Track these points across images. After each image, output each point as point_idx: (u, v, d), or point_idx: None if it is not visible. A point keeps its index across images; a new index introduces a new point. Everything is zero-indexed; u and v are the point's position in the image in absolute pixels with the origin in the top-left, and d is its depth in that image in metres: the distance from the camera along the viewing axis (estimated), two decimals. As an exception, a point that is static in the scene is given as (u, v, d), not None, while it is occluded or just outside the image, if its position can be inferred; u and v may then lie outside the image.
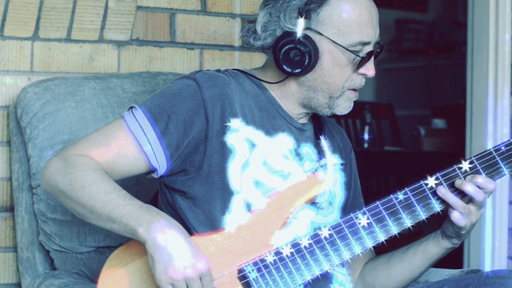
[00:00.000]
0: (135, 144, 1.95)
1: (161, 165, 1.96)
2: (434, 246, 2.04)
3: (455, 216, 1.94)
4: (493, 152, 1.97)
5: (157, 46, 2.68)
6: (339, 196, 2.10)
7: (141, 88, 2.43)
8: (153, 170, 1.97)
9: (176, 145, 1.95)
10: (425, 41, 7.23)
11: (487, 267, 3.53)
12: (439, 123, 5.89)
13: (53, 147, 2.30)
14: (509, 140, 1.98)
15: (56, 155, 1.96)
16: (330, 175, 2.07)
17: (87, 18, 2.55)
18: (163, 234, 1.81)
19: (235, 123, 1.98)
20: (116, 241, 2.31)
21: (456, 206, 1.94)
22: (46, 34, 2.51)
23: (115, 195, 1.87)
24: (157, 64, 2.67)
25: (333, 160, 2.10)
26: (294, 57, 1.96)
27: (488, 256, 3.54)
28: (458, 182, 1.94)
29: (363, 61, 1.98)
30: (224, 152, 1.97)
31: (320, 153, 2.08)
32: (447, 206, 1.96)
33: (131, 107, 1.99)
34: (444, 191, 1.94)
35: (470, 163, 1.96)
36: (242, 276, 1.90)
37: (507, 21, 3.52)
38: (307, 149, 2.07)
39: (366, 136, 5.24)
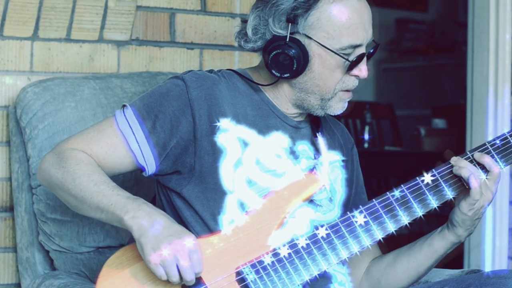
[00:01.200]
0: (123, 142, 1.98)
1: (149, 164, 1.98)
2: (439, 239, 2.04)
3: (473, 182, 1.93)
4: (489, 146, 1.98)
5: (157, 46, 2.68)
6: (340, 193, 2.10)
7: (141, 88, 2.43)
8: (141, 169, 1.99)
9: (163, 144, 1.97)
10: (425, 41, 7.22)
11: (488, 268, 3.52)
12: (439, 123, 5.89)
13: (52, 147, 2.29)
14: (504, 135, 1.99)
15: (51, 150, 2.01)
16: (326, 172, 2.07)
17: (86, 18, 2.55)
18: (149, 218, 1.83)
19: (225, 123, 1.99)
20: (116, 241, 2.31)
21: (490, 166, 1.94)
22: (45, 34, 2.51)
23: (104, 186, 1.90)
24: (157, 64, 2.67)
25: (332, 157, 2.10)
26: (283, 61, 1.96)
27: (489, 256, 3.53)
28: (477, 155, 1.96)
29: (353, 64, 1.98)
30: (214, 152, 1.97)
31: (317, 151, 2.07)
32: (457, 190, 1.97)
33: (123, 105, 2.01)
34: (480, 155, 1.96)
35: (466, 158, 1.96)
36: (241, 279, 1.90)
37: (507, 21, 3.52)
38: (303, 146, 2.06)
39: (366, 136, 5.24)
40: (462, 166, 1.95)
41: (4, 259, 2.46)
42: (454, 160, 1.97)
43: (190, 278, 1.83)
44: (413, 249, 2.07)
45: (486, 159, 1.96)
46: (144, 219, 1.83)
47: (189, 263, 1.82)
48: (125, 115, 1.99)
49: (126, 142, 1.98)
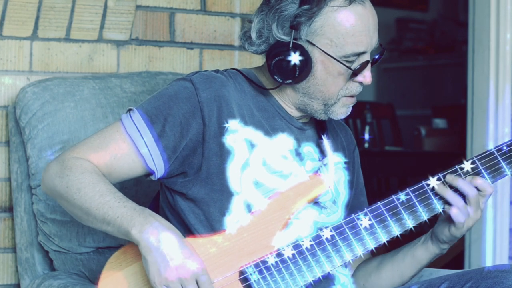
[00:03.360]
0: (132, 147, 1.95)
1: (159, 168, 1.96)
2: (423, 251, 2.04)
3: (454, 212, 1.93)
4: (495, 152, 1.97)
5: (156, 45, 2.68)
6: (343, 195, 2.10)
7: (141, 88, 2.42)
8: (150, 173, 1.97)
9: (173, 147, 1.95)
10: (426, 40, 7.22)
11: (488, 268, 3.52)
12: (440, 123, 5.88)
13: (52, 147, 2.29)
14: (510, 140, 1.97)
15: (55, 158, 1.97)
16: (332, 174, 2.06)
17: (86, 17, 2.54)
18: (156, 235, 1.81)
19: (233, 124, 1.97)
20: (116, 242, 2.30)
21: (456, 203, 1.93)
22: (45, 34, 2.50)
23: (110, 197, 1.87)
24: (156, 64, 2.67)
25: (336, 159, 2.09)
26: (285, 67, 1.95)
27: (489, 257, 3.53)
28: (449, 178, 1.94)
29: (356, 71, 1.96)
30: (222, 154, 1.96)
31: (322, 152, 2.07)
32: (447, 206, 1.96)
33: (129, 109, 1.99)
34: (442, 188, 1.94)
35: (472, 163, 1.95)
36: (244, 278, 1.89)
37: (508, 20, 3.51)
38: (308, 148, 2.06)
39: (366, 136, 5.24)
40: (451, 185, 1.94)
41: (3, 260, 2.46)
42: (449, 179, 1.95)
43: None
44: (397, 257, 2.07)
45: (479, 181, 1.94)
46: (152, 234, 1.81)
47: (195, 286, 1.81)
48: (132, 119, 1.96)
49: (135, 146, 1.95)
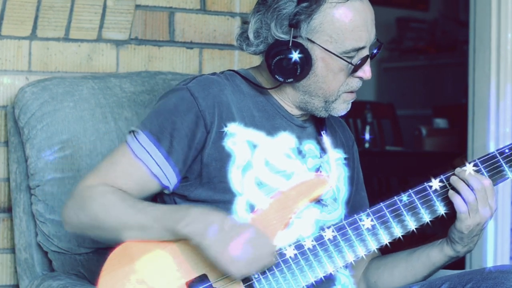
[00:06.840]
0: (144, 169, 1.94)
1: (172, 182, 1.96)
2: (438, 252, 2.03)
3: (457, 201, 1.93)
4: (497, 155, 1.97)
5: (156, 45, 2.67)
6: (343, 191, 2.10)
7: (140, 87, 2.42)
8: (165, 188, 1.97)
9: (183, 160, 1.95)
10: (426, 40, 7.22)
11: (489, 268, 3.51)
12: (440, 122, 5.88)
13: (51, 147, 2.29)
14: None
15: (70, 197, 1.96)
16: (333, 171, 2.06)
17: (85, 17, 2.54)
18: (202, 220, 1.82)
19: (232, 127, 1.97)
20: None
21: (464, 192, 1.93)
22: (44, 33, 2.50)
23: (142, 205, 1.88)
24: (156, 64, 2.66)
25: (335, 155, 2.09)
26: (286, 66, 1.94)
27: (491, 257, 3.53)
28: (458, 171, 1.94)
29: (357, 66, 1.96)
30: (222, 157, 1.96)
31: (323, 149, 2.07)
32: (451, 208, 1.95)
33: (133, 131, 1.97)
34: (456, 178, 1.94)
35: (474, 165, 1.95)
36: (246, 278, 1.88)
37: (509, 20, 3.51)
38: (309, 146, 2.06)
39: (367, 136, 5.24)
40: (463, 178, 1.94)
41: (2, 260, 2.45)
42: (458, 171, 1.95)
43: (274, 257, 1.84)
44: (412, 257, 2.07)
45: (470, 179, 1.94)
46: (198, 222, 1.81)
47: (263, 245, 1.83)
48: (139, 141, 1.95)
49: (147, 167, 1.94)
